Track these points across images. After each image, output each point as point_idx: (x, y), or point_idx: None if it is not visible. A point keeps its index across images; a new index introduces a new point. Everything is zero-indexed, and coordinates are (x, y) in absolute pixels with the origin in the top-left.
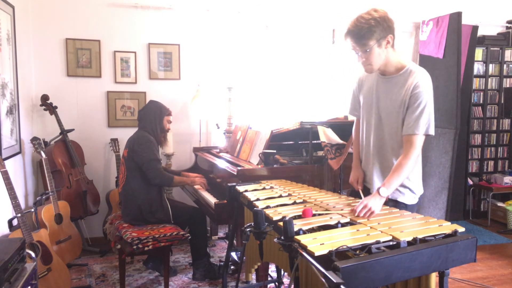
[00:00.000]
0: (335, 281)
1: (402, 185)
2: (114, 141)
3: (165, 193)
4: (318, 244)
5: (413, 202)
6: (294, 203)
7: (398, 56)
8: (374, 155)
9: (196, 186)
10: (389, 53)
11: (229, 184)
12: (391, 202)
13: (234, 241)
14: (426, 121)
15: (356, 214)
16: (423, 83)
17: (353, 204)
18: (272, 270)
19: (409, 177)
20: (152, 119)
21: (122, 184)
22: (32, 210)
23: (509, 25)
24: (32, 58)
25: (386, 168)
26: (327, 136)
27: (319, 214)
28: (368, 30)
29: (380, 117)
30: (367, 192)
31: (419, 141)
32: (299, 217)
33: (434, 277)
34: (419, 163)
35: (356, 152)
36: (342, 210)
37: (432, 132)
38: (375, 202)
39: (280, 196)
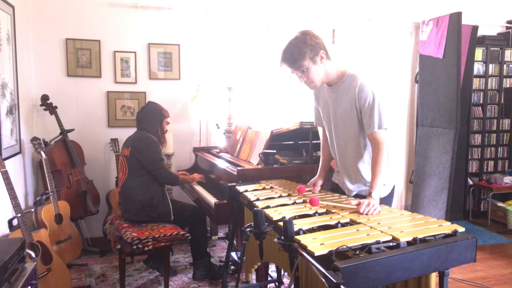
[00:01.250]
0: (335, 281)
1: (367, 181)
2: (114, 141)
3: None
4: (318, 244)
5: (385, 194)
6: (294, 203)
7: (336, 65)
8: (339, 160)
9: (193, 184)
10: (327, 66)
11: (229, 184)
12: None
13: (234, 241)
14: (378, 117)
15: (361, 213)
16: (365, 82)
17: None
18: (272, 270)
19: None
20: (153, 121)
21: (122, 182)
22: (32, 210)
23: (509, 25)
24: (32, 58)
25: (351, 170)
26: None
27: (319, 214)
28: (299, 53)
29: (337, 126)
30: (337, 190)
31: (382, 135)
32: (299, 217)
33: (434, 277)
34: None
35: (322, 159)
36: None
37: (386, 125)
38: (375, 202)
39: (280, 196)
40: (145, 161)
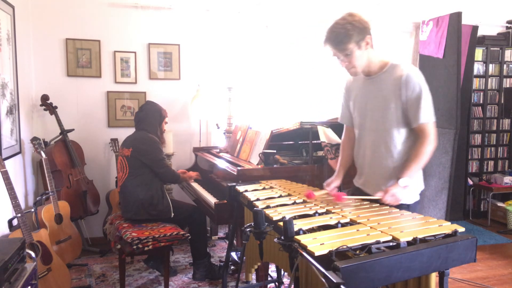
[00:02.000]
0: (335, 281)
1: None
2: (114, 141)
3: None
4: (318, 244)
5: (415, 200)
6: (294, 203)
7: (378, 55)
8: (369, 157)
9: (191, 181)
10: (370, 54)
11: (229, 184)
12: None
13: (234, 241)
14: (430, 108)
15: (383, 201)
16: (413, 72)
17: (354, 204)
18: (272, 270)
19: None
20: (153, 122)
21: (122, 182)
22: (32, 210)
23: (509, 25)
24: (32, 58)
25: (382, 169)
26: (327, 136)
27: (319, 214)
28: (345, 35)
29: (372, 118)
30: (360, 194)
31: (430, 127)
32: (299, 217)
33: (434, 277)
34: None
35: (342, 159)
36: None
37: (433, 118)
38: (399, 191)
39: (280, 196)
40: (149, 161)
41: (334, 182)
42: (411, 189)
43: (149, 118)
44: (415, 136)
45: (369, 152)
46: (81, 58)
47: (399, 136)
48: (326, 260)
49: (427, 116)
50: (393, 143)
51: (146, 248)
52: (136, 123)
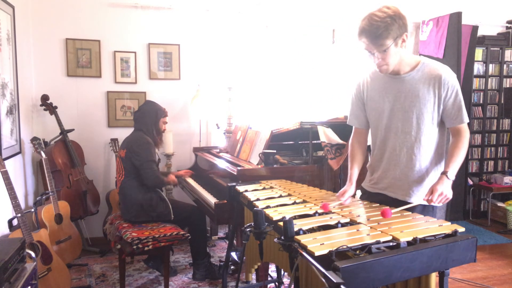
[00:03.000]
0: (335, 281)
1: (412, 188)
2: (114, 141)
3: (164, 192)
4: (318, 244)
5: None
6: (294, 203)
7: (409, 53)
8: (398, 159)
9: (188, 179)
10: (403, 51)
11: (229, 184)
12: (420, 206)
13: (234, 241)
14: (465, 110)
15: (432, 202)
16: (449, 72)
17: (354, 203)
18: (272, 270)
19: (424, 181)
20: (148, 121)
21: (120, 183)
22: (32, 210)
23: (509, 25)
24: (32, 58)
25: (413, 170)
26: (327, 136)
27: (319, 214)
28: (385, 29)
29: (401, 119)
30: (382, 199)
31: (466, 128)
32: (299, 217)
33: (434, 277)
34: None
35: (352, 164)
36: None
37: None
38: (447, 188)
39: (280, 196)
40: (137, 162)
41: (348, 191)
42: (423, 190)
43: (145, 117)
44: (445, 135)
45: (396, 154)
46: (81, 58)
47: (431, 136)
48: (326, 260)
49: (466, 116)
50: (426, 143)
51: (146, 248)
52: (134, 123)
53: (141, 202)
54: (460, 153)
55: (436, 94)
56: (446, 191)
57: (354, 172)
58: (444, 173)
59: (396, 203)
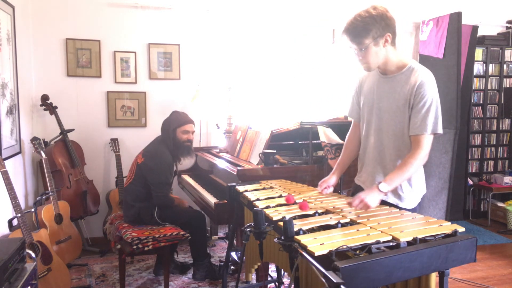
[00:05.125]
0: (335, 281)
1: (404, 191)
2: (114, 141)
3: None
4: (318, 244)
5: (414, 205)
6: (294, 203)
7: (399, 55)
8: (373, 156)
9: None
10: (389, 52)
11: (229, 184)
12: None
13: (234, 241)
14: (432, 120)
15: (352, 206)
16: (427, 80)
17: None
18: (272, 270)
19: (412, 183)
20: (164, 134)
21: (128, 183)
22: (32, 210)
23: (509, 25)
24: (32, 58)
25: (385, 170)
26: (327, 136)
27: (319, 214)
28: (363, 29)
29: (381, 118)
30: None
31: (426, 141)
32: (299, 217)
33: (434, 277)
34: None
35: (343, 155)
36: (341, 211)
37: (440, 130)
38: (372, 197)
39: (280, 196)
40: (150, 179)
41: (328, 180)
42: (414, 194)
43: (163, 130)
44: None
45: (373, 151)
46: (81, 58)
47: (404, 139)
48: (326, 260)
49: (424, 127)
50: (398, 144)
51: (146, 248)
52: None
53: (139, 210)
54: (406, 169)
55: (407, 99)
56: (368, 199)
57: (340, 163)
58: (379, 183)
59: None
